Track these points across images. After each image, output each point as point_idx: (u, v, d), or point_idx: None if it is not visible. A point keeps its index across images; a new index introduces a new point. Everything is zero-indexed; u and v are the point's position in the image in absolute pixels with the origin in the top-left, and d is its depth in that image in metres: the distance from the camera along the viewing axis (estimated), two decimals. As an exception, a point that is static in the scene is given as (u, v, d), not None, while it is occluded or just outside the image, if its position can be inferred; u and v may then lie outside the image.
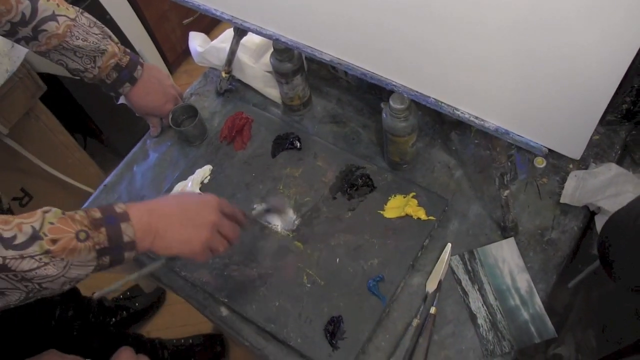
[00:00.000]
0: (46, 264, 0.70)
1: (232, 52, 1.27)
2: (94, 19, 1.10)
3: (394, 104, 0.99)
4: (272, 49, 1.16)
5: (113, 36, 1.13)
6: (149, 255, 1.12)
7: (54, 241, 0.70)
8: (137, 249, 0.80)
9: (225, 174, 1.20)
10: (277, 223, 1.11)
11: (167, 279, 1.13)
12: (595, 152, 1.12)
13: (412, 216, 1.07)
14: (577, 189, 1.05)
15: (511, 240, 1.05)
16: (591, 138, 1.12)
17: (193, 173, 1.20)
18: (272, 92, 1.32)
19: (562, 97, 0.75)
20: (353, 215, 1.10)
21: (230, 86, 1.36)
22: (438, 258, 1.05)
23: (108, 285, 0.85)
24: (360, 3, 0.84)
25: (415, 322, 0.99)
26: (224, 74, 1.32)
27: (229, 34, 1.32)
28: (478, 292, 1.01)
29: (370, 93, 1.28)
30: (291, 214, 1.11)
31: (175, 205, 0.87)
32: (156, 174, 1.27)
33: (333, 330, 0.98)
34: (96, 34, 1.09)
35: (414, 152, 1.14)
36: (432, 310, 0.99)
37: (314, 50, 0.99)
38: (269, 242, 1.09)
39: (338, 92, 1.32)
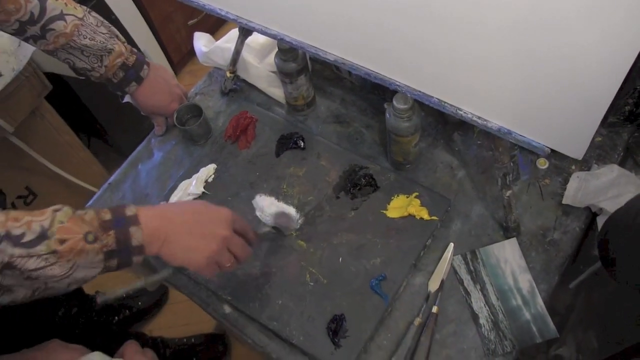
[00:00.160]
0: (52, 263, 0.70)
1: (237, 52, 1.28)
2: (101, 19, 1.11)
3: (398, 103, 1.00)
4: (276, 49, 1.17)
5: (120, 35, 1.14)
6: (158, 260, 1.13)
7: (61, 241, 0.70)
8: (145, 253, 0.80)
9: (230, 172, 1.21)
10: (271, 214, 1.11)
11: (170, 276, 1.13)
12: (597, 154, 1.13)
13: (414, 216, 1.08)
14: (579, 190, 1.06)
15: (513, 240, 1.05)
16: (594, 140, 1.13)
17: (197, 172, 1.21)
18: (276, 92, 1.33)
19: (564, 97, 0.76)
20: (356, 214, 1.11)
21: (235, 86, 1.37)
22: (440, 258, 1.06)
23: (112, 290, 0.85)
24: (363, 3, 0.85)
25: (417, 321, 0.99)
26: (228, 74, 1.33)
27: (233, 34, 1.33)
28: (480, 292, 1.02)
29: (374, 93, 1.29)
30: (295, 219, 1.11)
31: (187, 214, 0.86)
32: (161, 173, 1.27)
33: (335, 328, 0.98)
34: (103, 34, 1.10)
35: (417, 152, 1.15)
36: (434, 309, 1.00)
37: (318, 50, 1.00)
38: (272, 240, 1.10)
39: (342, 93, 1.32)
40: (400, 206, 1.09)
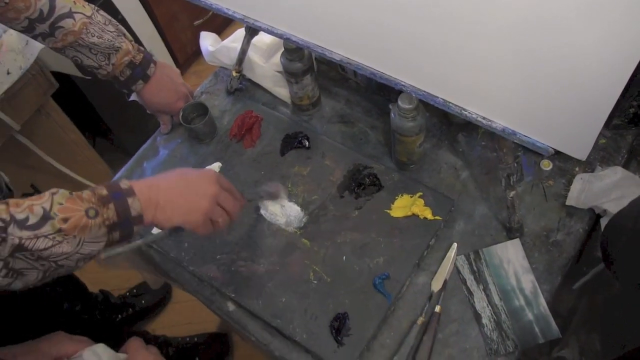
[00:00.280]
0: (60, 242, 0.72)
1: (243, 52, 1.29)
2: (109, 17, 1.12)
3: (403, 103, 1.00)
4: (282, 49, 1.18)
5: (127, 34, 1.15)
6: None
7: (65, 220, 0.72)
8: (143, 222, 0.82)
9: (234, 171, 1.21)
10: (275, 212, 1.13)
11: (174, 273, 1.14)
12: (601, 156, 1.13)
13: (418, 216, 1.08)
14: (582, 191, 1.06)
15: (516, 241, 1.05)
16: (598, 142, 1.13)
17: (203, 170, 1.21)
18: (282, 91, 1.33)
19: (568, 98, 0.76)
20: (360, 213, 1.11)
21: (241, 85, 1.38)
22: (443, 258, 1.06)
23: (112, 248, 0.85)
24: (368, 3, 0.86)
25: (420, 320, 1.00)
26: (234, 73, 1.34)
27: (239, 33, 1.34)
28: (483, 292, 1.02)
29: (379, 94, 1.30)
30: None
31: (175, 179, 0.90)
32: (166, 170, 1.27)
33: (338, 326, 0.98)
34: (111, 32, 1.10)
35: (421, 152, 1.15)
36: (437, 309, 1.00)
37: (324, 50, 1.01)
38: (277, 239, 1.11)
39: (347, 93, 1.33)
40: (404, 206, 1.10)
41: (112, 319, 1.90)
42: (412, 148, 1.10)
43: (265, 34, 1.12)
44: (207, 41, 1.40)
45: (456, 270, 1.05)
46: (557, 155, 1.09)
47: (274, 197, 1.11)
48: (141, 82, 1.18)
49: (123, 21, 2.00)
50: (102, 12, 1.11)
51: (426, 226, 1.07)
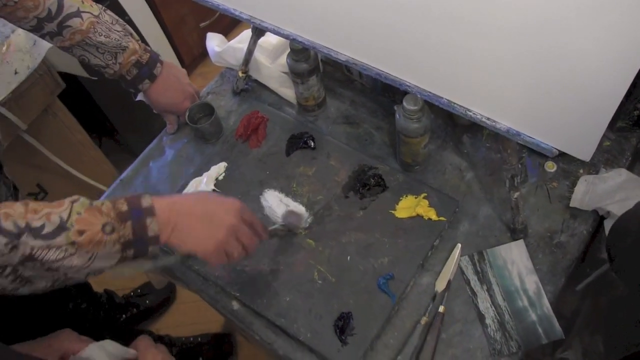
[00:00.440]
0: (72, 254, 0.71)
1: (250, 52, 1.30)
2: (116, 17, 1.13)
3: (408, 104, 1.01)
4: (288, 50, 1.18)
5: (134, 34, 1.16)
6: (164, 250, 1.14)
7: (80, 232, 0.72)
8: (160, 243, 0.81)
9: (240, 171, 1.22)
10: (277, 211, 1.13)
11: (179, 272, 1.15)
12: (606, 158, 1.13)
13: (422, 216, 1.09)
14: (586, 193, 1.06)
15: (520, 242, 1.06)
16: (602, 144, 1.13)
17: (208, 170, 1.22)
18: (288, 92, 1.34)
19: (572, 99, 0.76)
20: (364, 214, 1.12)
21: (247, 86, 1.39)
22: (447, 258, 1.06)
23: (120, 269, 0.85)
24: (374, 4, 0.86)
25: (424, 320, 1.00)
26: (240, 74, 1.35)
27: (246, 34, 1.35)
28: (486, 293, 1.02)
29: (384, 95, 1.30)
30: (304, 218, 1.12)
31: (197, 203, 0.88)
32: (172, 170, 1.29)
33: (342, 326, 0.99)
34: (118, 31, 1.11)
35: (426, 153, 1.16)
36: (441, 309, 1.00)
37: (330, 50, 1.01)
38: (281, 238, 1.11)
39: (352, 94, 1.34)
40: (408, 206, 1.10)
41: (116, 318, 1.91)
42: (417, 149, 1.11)
43: (272, 34, 1.13)
44: (214, 42, 1.41)
45: (460, 271, 1.05)
46: (561, 157, 1.09)
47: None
48: (148, 82, 1.19)
49: (130, 22, 2.01)
50: (109, 11, 1.12)
51: (430, 227, 1.08)
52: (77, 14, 1.05)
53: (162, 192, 1.25)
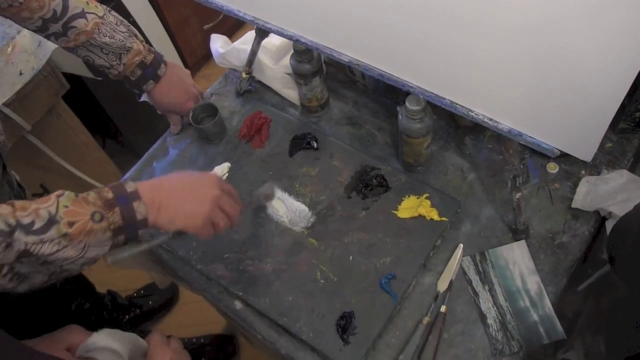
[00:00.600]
0: (65, 246, 0.73)
1: (253, 53, 1.31)
2: (121, 18, 1.14)
3: (410, 105, 1.01)
4: (291, 52, 1.19)
5: (138, 35, 1.16)
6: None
7: (70, 224, 0.73)
8: (148, 225, 0.83)
9: (243, 171, 1.22)
10: (278, 208, 1.14)
11: (182, 272, 1.15)
12: (607, 159, 1.14)
13: (425, 217, 1.09)
14: (588, 194, 1.07)
15: (522, 242, 1.06)
16: (604, 145, 1.14)
17: (211, 170, 1.23)
18: (291, 93, 1.35)
19: (573, 99, 0.77)
20: (367, 214, 1.12)
21: (250, 87, 1.39)
22: (449, 258, 1.07)
23: (116, 251, 0.85)
24: (376, 5, 0.87)
25: (426, 320, 1.00)
26: (244, 75, 1.36)
27: (249, 36, 1.35)
28: (488, 293, 1.03)
29: (386, 96, 1.31)
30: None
31: (177, 181, 0.90)
32: (175, 170, 1.29)
33: (345, 325, 0.99)
34: (122, 32, 1.12)
35: (428, 154, 1.16)
36: (443, 309, 1.01)
37: (333, 51, 1.02)
38: (284, 238, 1.12)
39: (355, 95, 1.34)
40: (410, 207, 1.11)
41: (119, 319, 1.92)
42: (419, 150, 1.11)
43: (275, 36, 1.13)
44: (218, 43, 1.42)
45: (462, 271, 1.06)
46: (563, 158, 1.09)
47: (269, 198, 1.13)
48: (152, 82, 1.19)
49: (134, 24, 2.00)
50: (113, 12, 1.13)
51: (432, 227, 1.08)
52: (82, 14, 1.06)
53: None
